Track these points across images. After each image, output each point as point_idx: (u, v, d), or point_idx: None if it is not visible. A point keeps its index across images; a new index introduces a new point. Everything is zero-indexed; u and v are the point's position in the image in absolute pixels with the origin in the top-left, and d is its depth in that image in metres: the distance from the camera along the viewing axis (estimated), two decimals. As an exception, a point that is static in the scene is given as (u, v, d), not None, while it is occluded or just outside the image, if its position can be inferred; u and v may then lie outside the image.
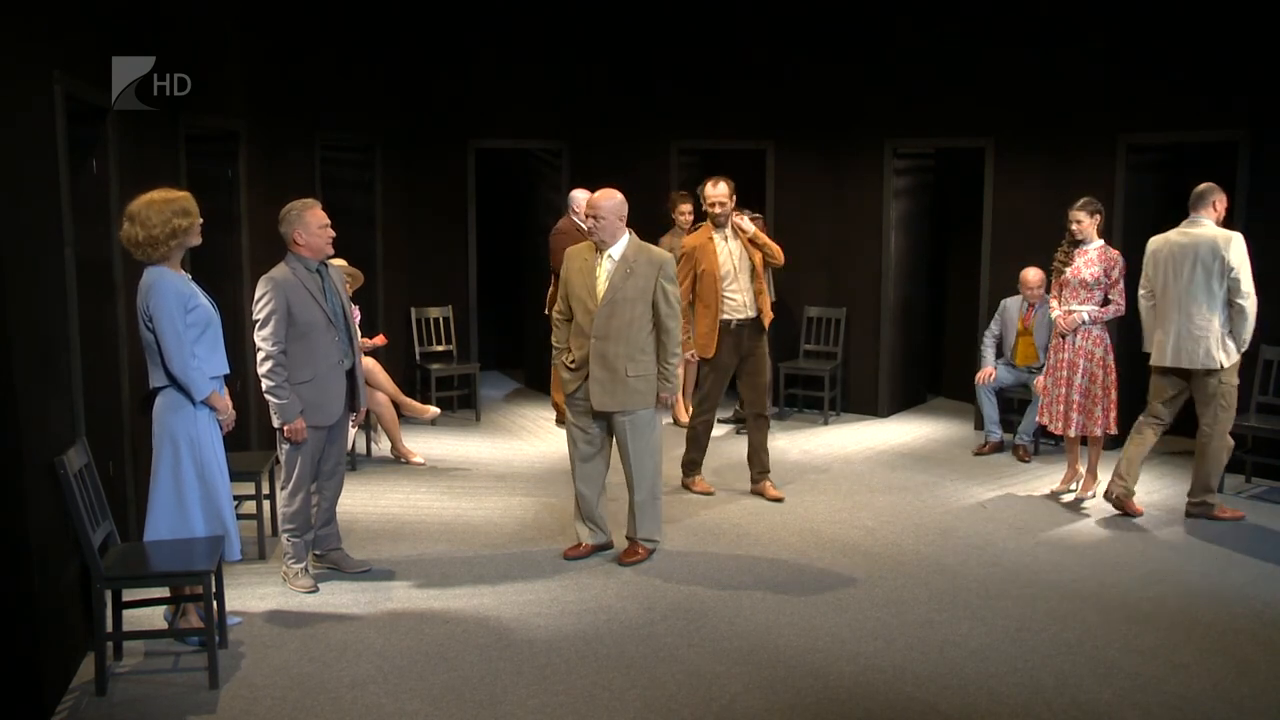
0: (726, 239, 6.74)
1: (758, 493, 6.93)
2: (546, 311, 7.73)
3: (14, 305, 3.88)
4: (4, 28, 3.92)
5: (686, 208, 8.67)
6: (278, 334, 5.08)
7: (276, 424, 5.20)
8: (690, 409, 7.00)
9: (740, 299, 6.70)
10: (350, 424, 5.64)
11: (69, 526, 4.23)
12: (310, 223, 5.18)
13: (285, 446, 5.27)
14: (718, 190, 6.67)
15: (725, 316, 6.69)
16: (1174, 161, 8.13)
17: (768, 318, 6.83)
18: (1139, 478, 6.58)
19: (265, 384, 5.13)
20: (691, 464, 7.04)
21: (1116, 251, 6.74)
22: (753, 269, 6.75)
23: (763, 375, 6.89)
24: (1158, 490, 7.08)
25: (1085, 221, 6.66)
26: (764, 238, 6.85)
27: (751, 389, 6.87)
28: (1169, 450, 7.81)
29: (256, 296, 5.15)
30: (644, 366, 5.60)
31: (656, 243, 9.14)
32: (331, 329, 5.22)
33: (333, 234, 5.28)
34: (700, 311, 6.73)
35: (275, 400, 5.13)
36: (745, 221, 6.80)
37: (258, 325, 5.13)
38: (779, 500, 6.82)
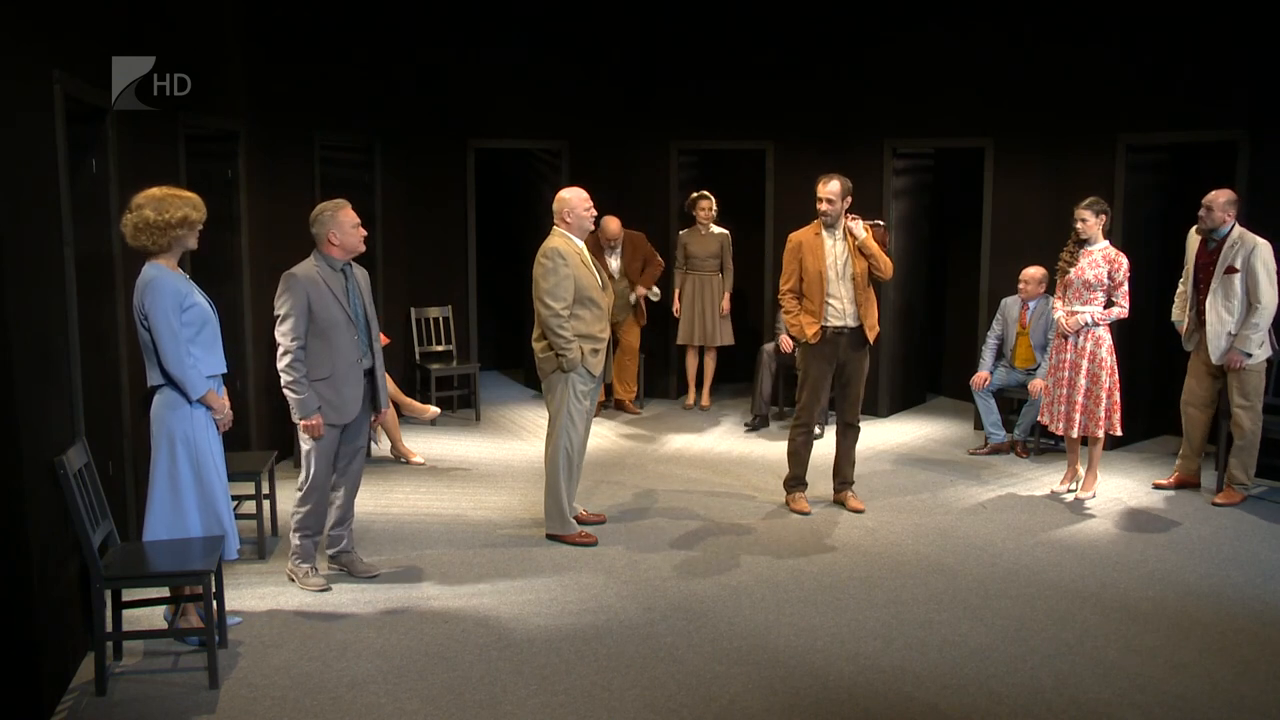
0: (835, 240, 6.49)
1: (839, 503, 6.79)
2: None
3: (14, 305, 3.89)
4: (4, 28, 3.92)
5: (707, 204, 9.25)
6: (296, 330, 5.13)
7: (295, 419, 5.24)
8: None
9: (840, 305, 6.43)
10: (370, 424, 5.64)
11: (69, 526, 4.23)
12: (344, 223, 5.24)
13: (304, 445, 5.29)
14: (828, 188, 6.41)
15: (824, 322, 6.45)
16: (1174, 161, 8.13)
17: (872, 331, 6.51)
18: None
19: (284, 379, 5.17)
20: (796, 480, 6.74)
21: (1121, 253, 6.72)
22: (855, 277, 6.45)
23: (857, 386, 6.63)
24: (1160, 491, 7.09)
25: (1090, 221, 6.64)
26: (874, 247, 6.47)
27: (843, 398, 6.64)
28: (1170, 451, 7.81)
29: (277, 292, 5.20)
30: None
31: (674, 239, 9.50)
32: (351, 328, 5.25)
33: (364, 233, 5.35)
34: (805, 309, 6.46)
35: (293, 395, 5.17)
36: (857, 227, 6.46)
37: (278, 320, 5.18)
38: (859, 511, 6.66)
